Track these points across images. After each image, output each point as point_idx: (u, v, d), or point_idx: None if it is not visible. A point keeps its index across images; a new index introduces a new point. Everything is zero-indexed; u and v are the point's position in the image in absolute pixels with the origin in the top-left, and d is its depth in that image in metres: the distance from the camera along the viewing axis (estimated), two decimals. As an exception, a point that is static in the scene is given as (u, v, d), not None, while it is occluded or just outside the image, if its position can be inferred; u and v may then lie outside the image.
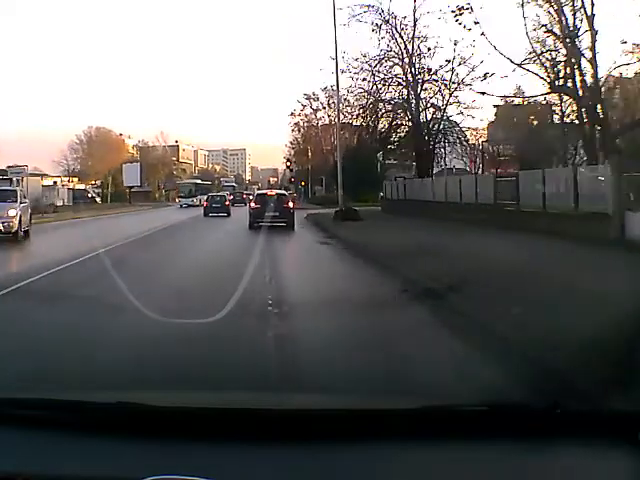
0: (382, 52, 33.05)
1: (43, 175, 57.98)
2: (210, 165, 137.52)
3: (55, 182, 60.87)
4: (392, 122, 36.24)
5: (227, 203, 38.03)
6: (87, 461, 1.78)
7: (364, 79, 33.95)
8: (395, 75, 33.91)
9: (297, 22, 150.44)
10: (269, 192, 26.86)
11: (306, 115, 65.58)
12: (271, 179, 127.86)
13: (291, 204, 23.82)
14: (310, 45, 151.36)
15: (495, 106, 36.66)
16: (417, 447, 1.81)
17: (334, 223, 23.44)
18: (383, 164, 51.60)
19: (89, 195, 61.04)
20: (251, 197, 31.02)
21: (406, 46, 32.69)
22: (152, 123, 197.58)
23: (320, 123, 65.66)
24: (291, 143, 72.98)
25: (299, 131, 68.23)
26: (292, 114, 65.36)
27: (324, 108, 63.77)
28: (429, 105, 33.91)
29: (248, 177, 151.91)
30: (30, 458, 1.80)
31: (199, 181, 70.79)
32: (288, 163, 62.34)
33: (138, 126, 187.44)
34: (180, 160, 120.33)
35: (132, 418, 1.92)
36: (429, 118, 34.17)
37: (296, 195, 67.57)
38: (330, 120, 64.90)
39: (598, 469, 1.75)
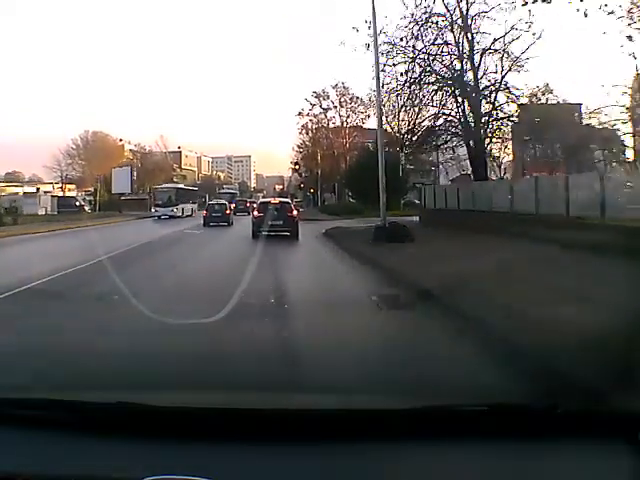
0: (426, 10, 22.88)
1: (27, 182, 52.88)
2: (214, 172, 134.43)
3: (38, 189, 55.55)
4: (438, 110, 25.24)
5: (228, 212, 35.10)
6: (87, 461, 1.79)
7: (405, 51, 23.64)
8: (445, 42, 23.86)
9: (300, 24, 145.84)
10: (272, 200, 25.96)
11: (315, 115, 59.79)
12: (277, 186, 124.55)
13: (295, 212, 22.98)
14: (313, 48, 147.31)
15: (520, 105, 27.46)
16: (417, 447, 1.81)
17: (375, 247, 15.44)
18: (404, 168, 46.03)
19: (77, 203, 55.08)
20: (254, 205, 29.49)
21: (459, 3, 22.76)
22: (155, 130, 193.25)
23: (331, 124, 60.21)
24: (298, 147, 66.45)
25: (307, 133, 62.28)
26: (300, 114, 59.53)
27: (335, 107, 58.93)
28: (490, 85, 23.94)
29: (253, 184, 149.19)
30: (30, 458, 1.81)
31: (182, 186, 57.68)
32: (296, 166, 56.49)
33: (141, 133, 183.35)
34: (183, 167, 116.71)
35: (132, 418, 1.92)
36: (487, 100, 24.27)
37: (303, 203, 62.03)
38: (342, 121, 59.55)
39: (598, 469, 1.75)
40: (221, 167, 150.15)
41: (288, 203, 24.39)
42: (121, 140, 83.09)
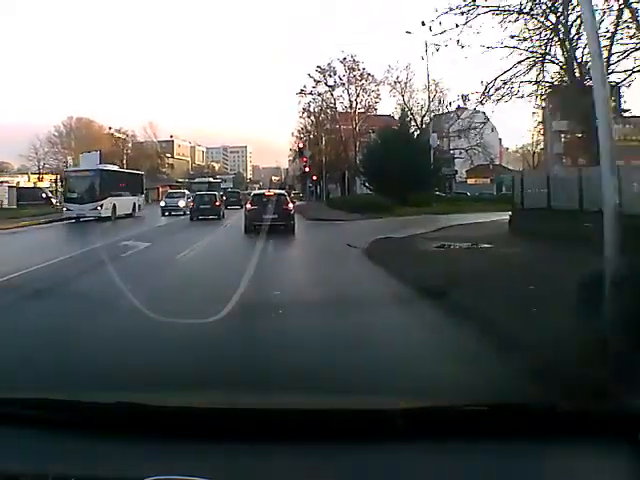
0: None
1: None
2: (208, 162, 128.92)
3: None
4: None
5: (218, 203, 31.39)
6: (87, 461, 1.78)
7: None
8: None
9: (297, 20, 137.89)
10: (267, 192, 25.08)
11: (320, 94, 51.02)
12: (273, 178, 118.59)
13: (291, 205, 22.13)
14: (310, 43, 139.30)
15: (551, 86, 20.10)
16: (417, 447, 1.81)
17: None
18: (437, 154, 38.61)
19: (43, 195, 47.93)
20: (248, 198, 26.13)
21: None
22: (161, 124, 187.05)
23: (338, 104, 51.74)
24: (299, 132, 58.31)
25: (309, 117, 54.04)
26: (301, 92, 50.83)
27: (343, 85, 50.10)
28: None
29: (249, 176, 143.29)
30: (30, 458, 1.80)
31: (111, 167, 37.17)
32: (300, 145, 44.67)
33: (135, 124, 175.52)
34: (175, 156, 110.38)
35: (132, 418, 1.92)
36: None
37: (304, 195, 54.37)
38: (351, 101, 51.74)
39: (598, 469, 1.74)
40: (216, 158, 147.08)
41: (284, 195, 23.21)
42: (110, 128, 75.89)
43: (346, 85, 50.44)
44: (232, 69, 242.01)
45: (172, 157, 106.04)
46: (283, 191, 27.50)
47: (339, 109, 51.46)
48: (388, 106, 62.71)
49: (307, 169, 44.63)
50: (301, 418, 1.93)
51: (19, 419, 1.97)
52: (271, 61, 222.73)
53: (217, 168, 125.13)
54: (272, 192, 24.51)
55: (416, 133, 44.17)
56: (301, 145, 44.16)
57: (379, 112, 51.11)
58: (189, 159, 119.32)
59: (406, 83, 48.40)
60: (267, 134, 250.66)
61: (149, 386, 3.10)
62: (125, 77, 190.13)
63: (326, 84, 50.32)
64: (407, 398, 2.19)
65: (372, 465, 1.75)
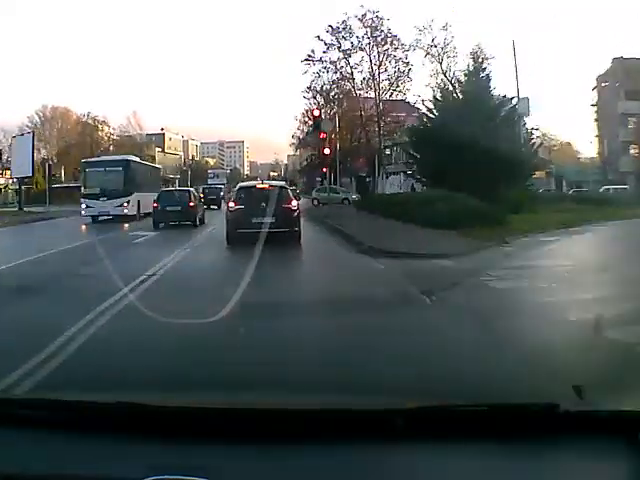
0: None
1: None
2: (202, 157, 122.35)
3: None
4: None
5: (192, 204, 22.28)
6: (87, 461, 1.78)
7: None
8: None
9: (297, 18, 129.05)
10: (259, 185, 16.02)
11: (332, 62, 37.90)
12: (271, 173, 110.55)
13: (294, 203, 14.76)
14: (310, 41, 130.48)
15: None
16: (417, 447, 1.80)
17: None
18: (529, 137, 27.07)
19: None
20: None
21: None
22: (152, 116, 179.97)
23: (357, 74, 38.59)
24: (303, 115, 45.90)
25: (315, 97, 40.52)
26: (308, 59, 38.17)
27: (362, 49, 37.13)
28: None
29: (246, 172, 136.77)
30: (30, 458, 1.80)
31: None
32: (316, 113, 28.49)
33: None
34: (166, 150, 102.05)
35: (132, 418, 1.91)
36: None
37: (319, 193, 42.83)
38: (372, 70, 37.86)
39: (598, 469, 1.74)
40: (212, 153, 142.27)
41: (284, 189, 15.75)
42: (84, 116, 66.71)
43: (366, 50, 37.86)
44: (230, 65, 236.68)
45: (163, 151, 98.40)
46: (283, 183, 19.55)
47: (357, 82, 38.99)
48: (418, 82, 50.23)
49: (327, 151, 28.19)
50: (301, 418, 1.91)
51: (19, 419, 1.96)
52: (269, 57, 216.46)
53: (212, 163, 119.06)
54: (267, 184, 16.32)
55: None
56: (316, 113, 28.25)
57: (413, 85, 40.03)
58: (181, 153, 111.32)
59: (442, 48, 37.33)
60: (265, 132, 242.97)
61: (149, 386, 3.10)
62: (116, 72, 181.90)
63: (339, 49, 37.83)
64: (407, 398, 2.14)
65: (372, 465, 1.74)
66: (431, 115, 27.88)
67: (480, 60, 25.96)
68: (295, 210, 14.54)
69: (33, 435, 1.87)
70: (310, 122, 43.36)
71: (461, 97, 25.03)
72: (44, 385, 3.83)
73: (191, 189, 25.96)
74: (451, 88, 32.39)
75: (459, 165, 20.49)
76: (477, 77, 25.02)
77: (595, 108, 44.62)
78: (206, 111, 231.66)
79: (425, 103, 30.92)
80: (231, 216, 14.40)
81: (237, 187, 16.55)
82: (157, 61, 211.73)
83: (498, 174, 20.51)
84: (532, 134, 28.17)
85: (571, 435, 1.80)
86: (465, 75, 26.25)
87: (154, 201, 22.71)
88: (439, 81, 34.22)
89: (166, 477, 1.63)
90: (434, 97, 27.94)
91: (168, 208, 21.43)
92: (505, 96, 25.17)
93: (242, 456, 1.76)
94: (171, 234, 18.99)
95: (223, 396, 2.38)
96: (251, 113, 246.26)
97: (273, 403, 2.13)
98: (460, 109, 23.33)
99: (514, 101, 25.35)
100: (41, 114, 70.56)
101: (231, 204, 14.73)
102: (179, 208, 21.53)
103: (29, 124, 66.76)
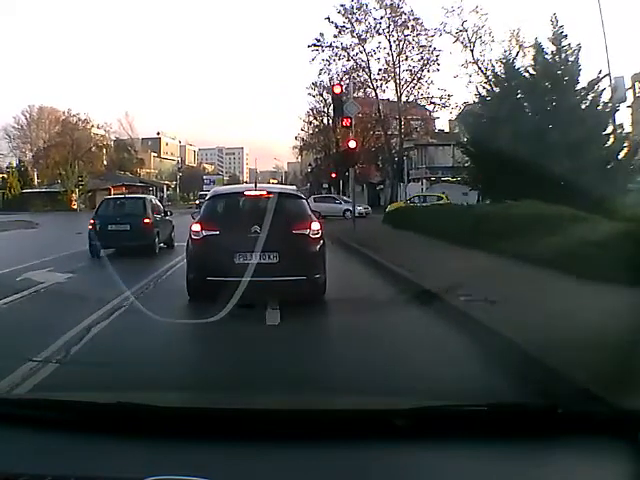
0: None
1: None
2: (200, 163, 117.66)
3: None
4: None
5: (147, 221, 14.59)
6: (87, 461, 1.77)
7: None
8: None
9: (297, 24, 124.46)
10: (249, 191, 8.31)
11: (344, 48, 32.16)
12: (272, 180, 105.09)
13: (316, 226, 7.79)
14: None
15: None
16: (417, 447, 1.79)
17: None
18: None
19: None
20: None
21: None
22: (149, 122, 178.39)
23: (373, 61, 32.58)
24: (308, 115, 40.15)
25: (322, 94, 35.78)
26: (317, 43, 32.49)
27: (379, 33, 31.23)
28: None
29: (245, 179, 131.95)
30: (30, 458, 1.78)
31: None
32: (337, 89, 18.85)
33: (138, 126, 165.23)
34: (162, 155, 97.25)
35: (132, 418, 1.91)
36: None
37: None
38: (392, 58, 32.35)
39: (598, 469, 1.73)
40: (211, 159, 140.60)
41: (297, 199, 8.38)
42: (64, 113, 61.27)
43: (385, 34, 32.11)
44: (230, 68, 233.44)
45: (159, 156, 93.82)
46: (293, 188, 11.09)
47: (374, 72, 33.02)
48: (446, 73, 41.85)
49: (352, 144, 18.77)
50: (301, 418, 1.91)
51: (19, 419, 1.95)
52: (270, 64, 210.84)
53: (210, 170, 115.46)
54: (264, 190, 8.37)
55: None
56: (337, 90, 19.05)
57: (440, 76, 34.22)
58: (178, 159, 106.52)
59: (475, 32, 31.04)
60: (266, 139, 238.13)
61: (149, 386, 3.09)
62: (129, 79, 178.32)
63: (353, 33, 31.90)
64: (407, 398, 2.14)
65: (372, 465, 1.73)
66: (488, 98, 19.44)
67: (559, 28, 18.65)
68: (316, 238, 7.89)
69: (33, 435, 1.87)
70: (315, 122, 37.36)
71: (532, 74, 17.95)
72: None
73: (148, 197, 17.15)
74: (485, 80, 25.95)
75: (542, 168, 13.96)
76: (559, 47, 17.42)
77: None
78: (205, 118, 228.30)
79: (477, 86, 23.43)
80: (195, 251, 7.89)
81: (209, 195, 8.92)
82: (155, 67, 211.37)
83: (597, 180, 14.27)
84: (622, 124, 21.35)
85: (571, 435, 1.80)
86: (534, 48, 19.25)
87: (92, 217, 15.29)
88: (471, 72, 28.39)
89: (166, 477, 1.61)
90: (494, 74, 20.39)
91: (110, 227, 14.43)
92: (600, 73, 17.58)
93: (242, 456, 1.76)
94: (102, 274, 9.99)
95: (223, 396, 2.42)
96: (251, 120, 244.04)
97: (273, 403, 2.16)
98: (538, 92, 16.73)
99: (605, 81, 18.27)
100: (27, 114, 66.36)
101: (195, 227, 7.84)
102: (127, 227, 14.47)
103: (15, 125, 62.07)
